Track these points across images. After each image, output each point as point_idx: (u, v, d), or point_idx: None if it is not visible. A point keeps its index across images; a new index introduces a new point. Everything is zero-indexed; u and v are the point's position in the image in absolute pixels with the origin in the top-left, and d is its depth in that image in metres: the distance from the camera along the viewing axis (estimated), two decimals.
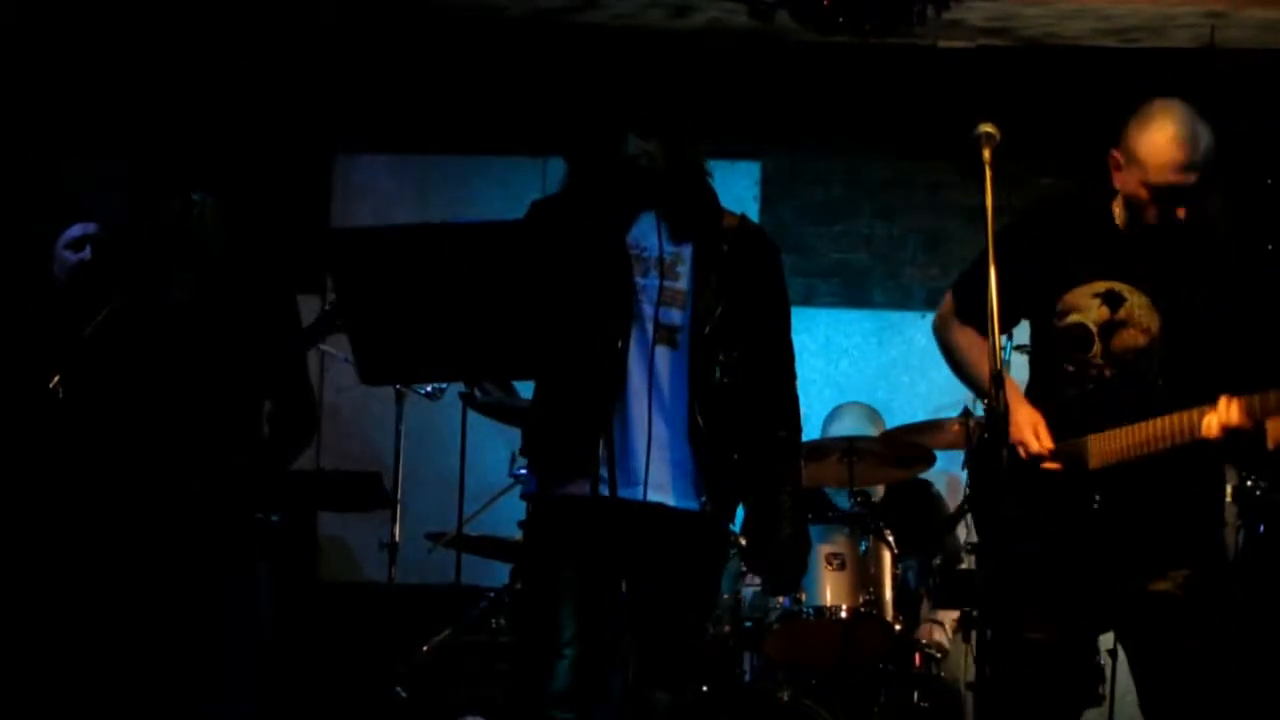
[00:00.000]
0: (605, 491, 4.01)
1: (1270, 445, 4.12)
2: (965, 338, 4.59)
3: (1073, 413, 4.37)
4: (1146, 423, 4.23)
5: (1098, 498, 4.31)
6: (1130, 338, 4.34)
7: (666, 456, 4.27)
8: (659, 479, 4.25)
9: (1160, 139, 4.25)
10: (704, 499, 4.29)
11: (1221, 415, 4.11)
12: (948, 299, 4.69)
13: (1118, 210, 4.41)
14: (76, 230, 4.56)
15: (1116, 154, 4.34)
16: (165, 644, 4.59)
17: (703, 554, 4.39)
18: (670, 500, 4.26)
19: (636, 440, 4.22)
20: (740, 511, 4.52)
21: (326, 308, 5.54)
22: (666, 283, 4.29)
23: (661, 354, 4.27)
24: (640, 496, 4.21)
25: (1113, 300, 4.36)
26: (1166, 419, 4.20)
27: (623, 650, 4.26)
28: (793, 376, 4.54)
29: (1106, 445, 4.30)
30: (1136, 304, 4.34)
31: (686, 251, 4.34)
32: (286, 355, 4.90)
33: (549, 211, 4.34)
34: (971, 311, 4.52)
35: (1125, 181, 4.33)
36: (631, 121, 4.26)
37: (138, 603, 4.58)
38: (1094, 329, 4.37)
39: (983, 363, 4.48)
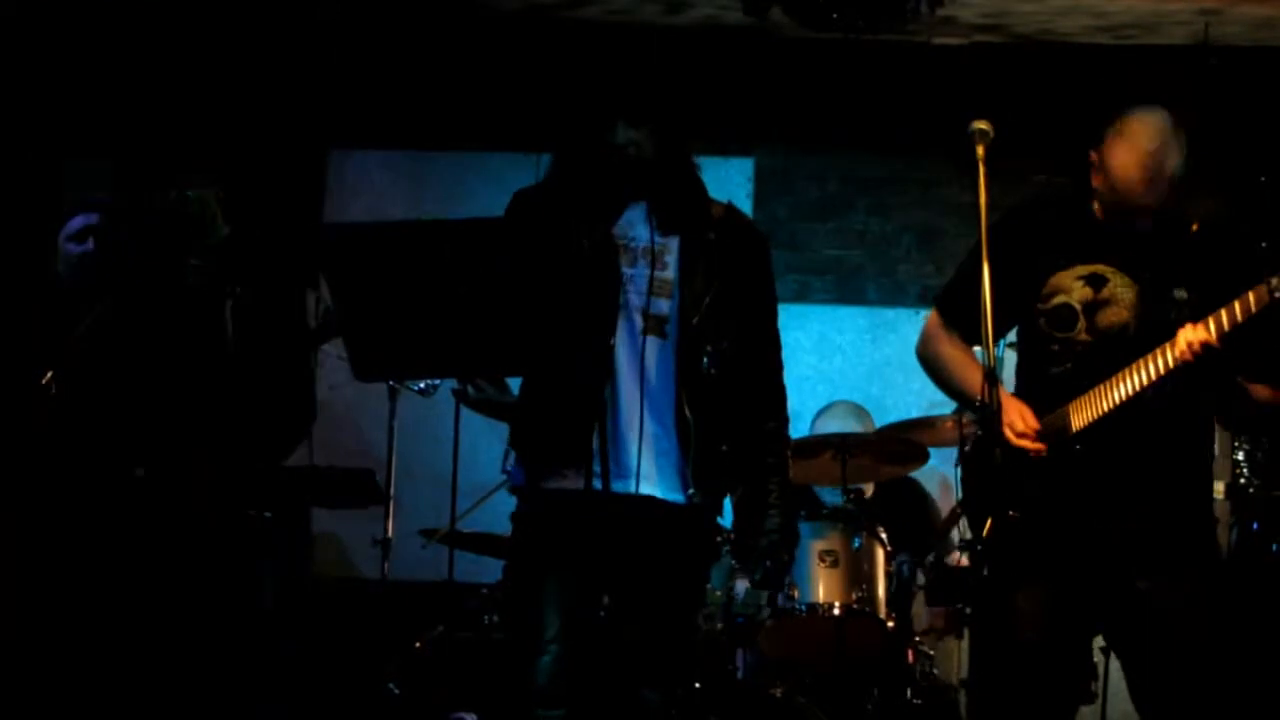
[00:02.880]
0: (597, 485, 4.02)
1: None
2: (950, 346, 4.61)
3: (1057, 388, 4.39)
4: (1121, 373, 4.25)
5: (1079, 446, 4.31)
6: (1113, 314, 4.38)
7: (655, 447, 4.27)
8: (648, 470, 4.25)
9: (1128, 159, 4.36)
10: (691, 491, 4.29)
11: (1188, 334, 4.11)
12: (932, 315, 4.70)
13: (1097, 206, 4.44)
14: (78, 221, 4.54)
15: (1094, 155, 4.40)
16: (161, 641, 4.59)
17: (691, 547, 4.38)
18: (658, 492, 4.26)
19: (627, 432, 4.22)
20: (729, 505, 4.52)
21: (323, 312, 5.52)
22: (655, 272, 4.29)
23: (651, 344, 4.27)
24: (633, 489, 4.21)
25: (1096, 281, 4.39)
26: (1136, 363, 4.22)
27: (611, 647, 4.26)
28: (779, 368, 4.53)
29: (1086, 406, 4.32)
30: (1119, 283, 4.38)
31: (674, 242, 4.34)
32: (288, 347, 4.89)
33: (534, 202, 4.34)
34: (959, 317, 4.54)
35: (1101, 183, 4.40)
36: (620, 110, 4.27)
37: (135, 599, 4.58)
38: (1078, 308, 4.40)
39: (968, 371, 4.49)
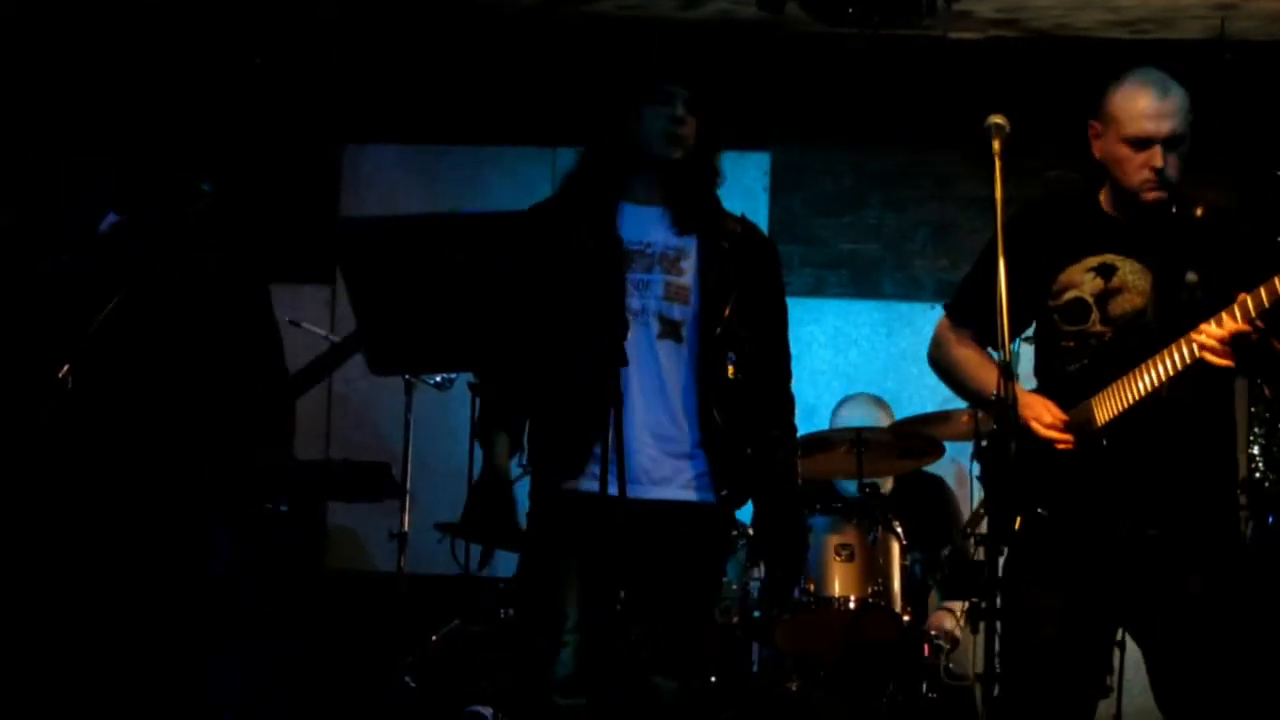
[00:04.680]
0: (612, 488, 4.05)
1: None
2: (964, 350, 4.58)
3: (1077, 384, 4.36)
4: (1142, 366, 4.23)
5: (1105, 440, 4.29)
6: (1126, 301, 4.34)
7: (676, 450, 4.30)
8: (662, 473, 4.27)
9: (1131, 89, 4.30)
10: (724, 492, 4.32)
11: (1213, 331, 4.09)
12: (943, 321, 4.69)
13: (1104, 197, 4.42)
14: (113, 217, 4.62)
15: (1095, 123, 4.37)
16: (146, 633, 4.60)
17: (708, 546, 4.40)
18: (674, 494, 4.28)
19: (642, 434, 4.24)
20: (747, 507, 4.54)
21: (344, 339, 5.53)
22: (670, 278, 4.33)
23: (667, 348, 4.29)
24: (648, 491, 4.23)
25: (1106, 271, 4.36)
26: (1162, 353, 4.19)
27: (627, 638, 4.27)
28: (789, 377, 4.55)
29: (1109, 399, 4.29)
30: (1129, 270, 4.34)
31: (691, 247, 4.37)
32: (256, 346, 4.90)
33: (547, 209, 4.39)
34: (970, 318, 4.52)
35: (1105, 148, 4.35)
36: (680, 91, 4.32)
37: (129, 594, 4.59)
38: (1090, 300, 4.37)
39: (982, 370, 4.48)
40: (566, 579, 4.28)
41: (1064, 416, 4.31)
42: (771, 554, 4.54)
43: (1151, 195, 4.29)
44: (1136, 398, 4.23)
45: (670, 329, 4.31)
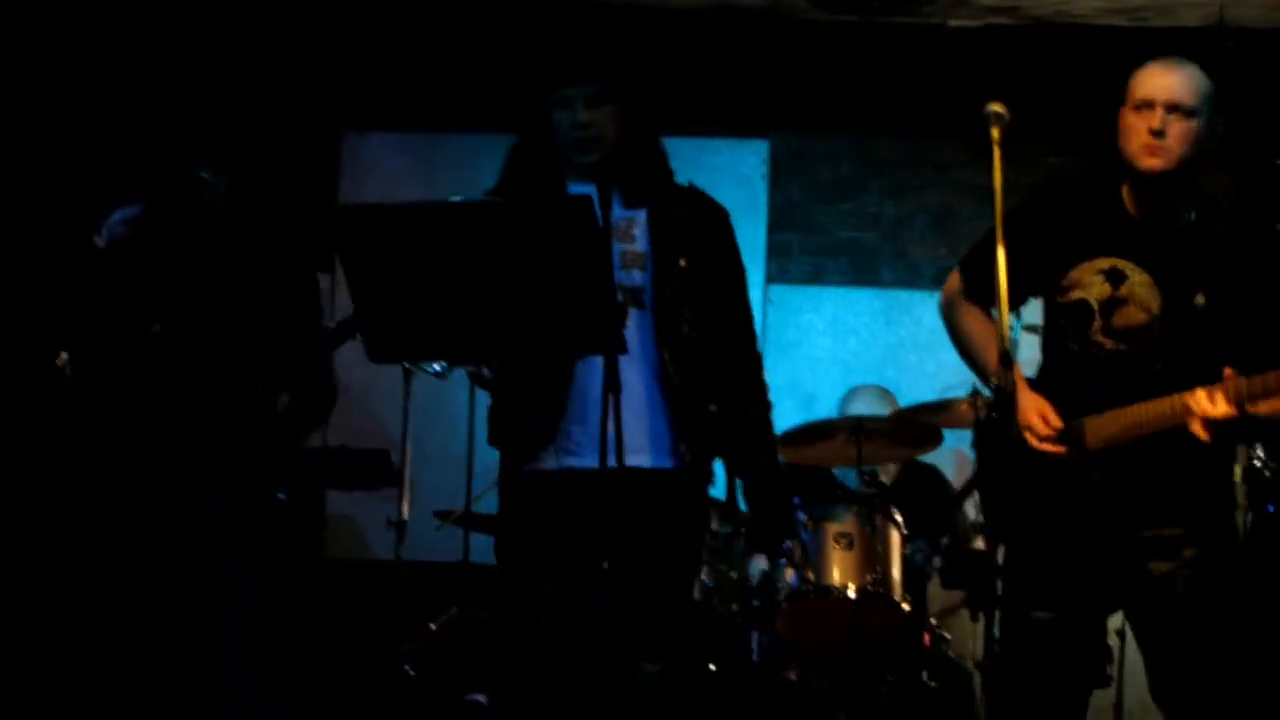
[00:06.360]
0: (577, 463, 4.13)
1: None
2: (972, 320, 4.58)
3: (1076, 395, 4.36)
4: (1139, 405, 4.21)
5: (1097, 471, 4.29)
6: (1130, 315, 4.32)
7: (644, 416, 4.29)
8: (635, 443, 4.26)
9: (1151, 64, 4.31)
10: (683, 448, 4.32)
11: (1204, 408, 4.09)
12: (954, 277, 4.68)
13: (1126, 193, 4.39)
14: (125, 213, 4.66)
15: (1121, 111, 4.34)
16: (168, 622, 4.60)
17: (680, 513, 4.40)
18: (646, 461, 4.28)
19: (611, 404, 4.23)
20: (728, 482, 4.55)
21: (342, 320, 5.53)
22: (623, 246, 4.35)
23: (630, 316, 4.30)
24: (622, 461, 4.22)
25: (1115, 277, 4.34)
26: (1157, 403, 4.18)
27: (608, 620, 4.27)
28: (754, 337, 4.57)
29: (1102, 426, 4.28)
30: (1138, 282, 4.32)
31: (641, 216, 4.39)
32: (306, 333, 4.91)
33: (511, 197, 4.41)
34: (979, 289, 4.52)
35: (1124, 126, 4.31)
36: (578, 92, 4.34)
37: (145, 582, 4.59)
38: (1095, 305, 4.35)
39: (989, 346, 4.47)
40: (544, 563, 4.29)
41: (1059, 425, 4.31)
42: (753, 507, 4.55)
43: (1147, 162, 4.25)
44: (1128, 436, 4.23)
45: (632, 296, 4.33)
